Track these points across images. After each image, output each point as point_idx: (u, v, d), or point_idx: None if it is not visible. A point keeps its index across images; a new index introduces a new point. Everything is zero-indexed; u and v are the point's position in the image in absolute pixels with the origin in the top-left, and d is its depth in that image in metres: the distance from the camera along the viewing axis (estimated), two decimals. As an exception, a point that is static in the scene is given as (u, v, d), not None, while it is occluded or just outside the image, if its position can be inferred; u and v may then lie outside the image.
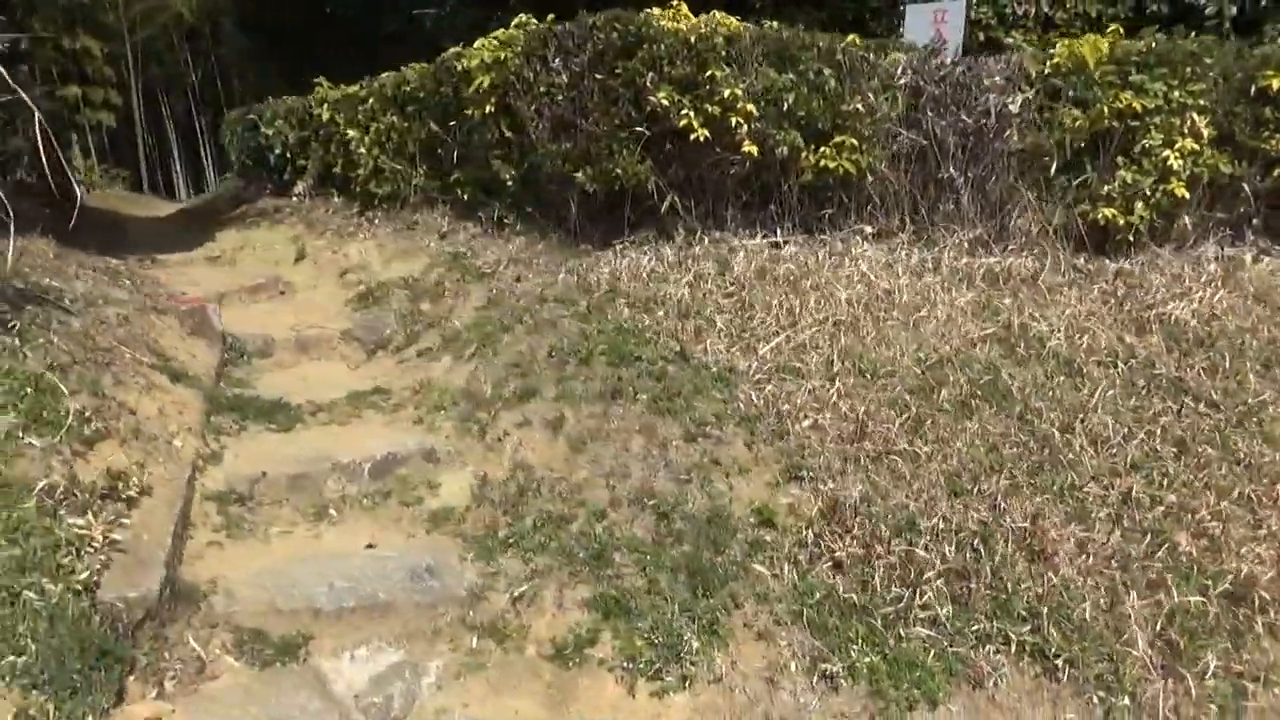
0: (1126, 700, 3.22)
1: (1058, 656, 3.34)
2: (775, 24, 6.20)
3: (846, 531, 3.69)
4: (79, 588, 3.03)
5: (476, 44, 7.15)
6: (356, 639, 3.54)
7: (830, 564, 3.61)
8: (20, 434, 3.51)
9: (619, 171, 6.01)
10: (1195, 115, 5.65)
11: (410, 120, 8.24)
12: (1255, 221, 6.07)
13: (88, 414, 3.82)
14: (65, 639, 2.82)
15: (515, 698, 3.25)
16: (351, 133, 8.72)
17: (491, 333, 5.58)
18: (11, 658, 2.69)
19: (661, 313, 5.31)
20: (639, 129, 5.89)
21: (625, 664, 3.32)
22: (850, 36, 6.00)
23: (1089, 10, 7.95)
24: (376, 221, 8.63)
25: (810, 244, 6.07)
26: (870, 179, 5.97)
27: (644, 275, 5.77)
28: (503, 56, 6.69)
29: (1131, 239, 5.88)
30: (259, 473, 4.39)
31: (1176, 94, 5.69)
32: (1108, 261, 5.90)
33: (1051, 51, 5.87)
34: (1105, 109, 5.74)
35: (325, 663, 3.36)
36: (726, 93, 5.69)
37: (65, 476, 3.43)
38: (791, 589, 3.53)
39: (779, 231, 6.21)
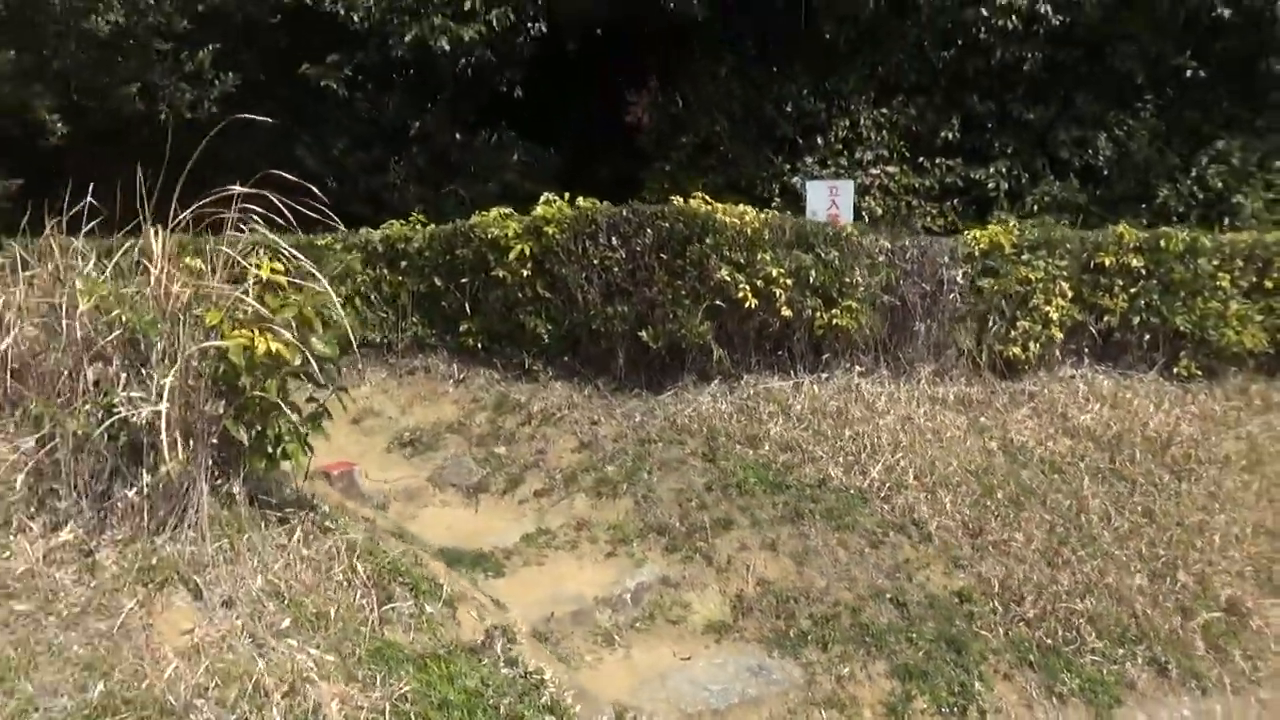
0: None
1: (1166, 661, 5.35)
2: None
3: (1020, 599, 5.48)
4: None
5: (493, 214, 8.27)
6: (740, 727, 4.70)
7: (1022, 621, 5.37)
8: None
9: (683, 331, 7.47)
10: (1063, 282, 8.29)
11: (404, 274, 8.96)
12: (1088, 350, 8.82)
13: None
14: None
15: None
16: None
17: (615, 473, 6.74)
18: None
19: (766, 447, 6.83)
20: (703, 298, 7.42)
21: (942, 709, 4.82)
22: (848, 227, 8.00)
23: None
24: (362, 367, 9.15)
25: (819, 383, 7.89)
26: (858, 330, 7.96)
27: (724, 415, 7.25)
28: (548, 230, 7.88)
29: (1026, 367, 8.37)
30: (547, 614, 5.31)
31: (1049, 270, 8.30)
32: (1012, 383, 8.32)
33: (979, 235, 8.28)
34: (1004, 278, 8.22)
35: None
36: (772, 271, 7.42)
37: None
38: (1009, 642, 5.24)
39: (793, 374, 7.97)
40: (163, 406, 3.80)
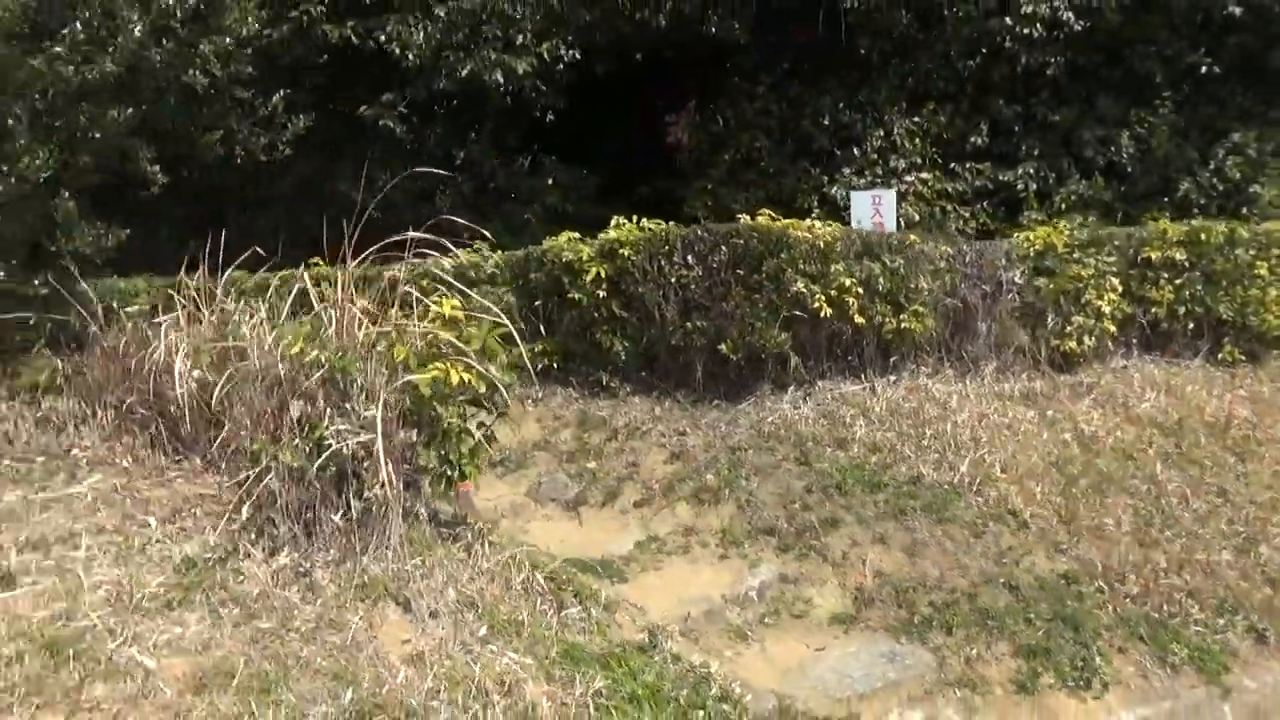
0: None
1: (1264, 629, 5.72)
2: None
3: (1122, 578, 5.84)
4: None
5: (564, 239, 8.62)
6: (883, 709, 5.04)
7: (1127, 599, 5.73)
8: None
9: (762, 342, 7.83)
10: (1116, 281, 8.69)
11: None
12: (1135, 341, 9.22)
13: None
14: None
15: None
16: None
17: (714, 481, 7.07)
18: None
19: (855, 449, 7.19)
20: (780, 309, 7.78)
21: (1068, 683, 5.17)
22: (910, 235, 8.39)
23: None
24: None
25: (890, 385, 8.26)
26: (924, 332, 8.34)
27: (807, 420, 7.61)
28: (623, 251, 8.23)
29: (1082, 360, 8.76)
30: (683, 614, 5.64)
31: (1099, 266, 8.71)
32: (1070, 376, 8.71)
33: (1033, 236, 8.68)
34: (1060, 276, 8.62)
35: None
36: (845, 281, 7.80)
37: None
38: (1118, 618, 5.60)
39: (864, 378, 8.34)
40: (373, 437, 4.13)
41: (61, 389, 6.41)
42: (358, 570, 4.21)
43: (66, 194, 6.59)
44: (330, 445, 4.13)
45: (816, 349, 8.25)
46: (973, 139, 11.70)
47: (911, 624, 5.56)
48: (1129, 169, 11.99)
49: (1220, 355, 9.25)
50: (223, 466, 5.02)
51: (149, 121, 7.32)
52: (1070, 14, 10.96)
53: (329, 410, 4.23)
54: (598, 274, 8.32)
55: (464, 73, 10.04)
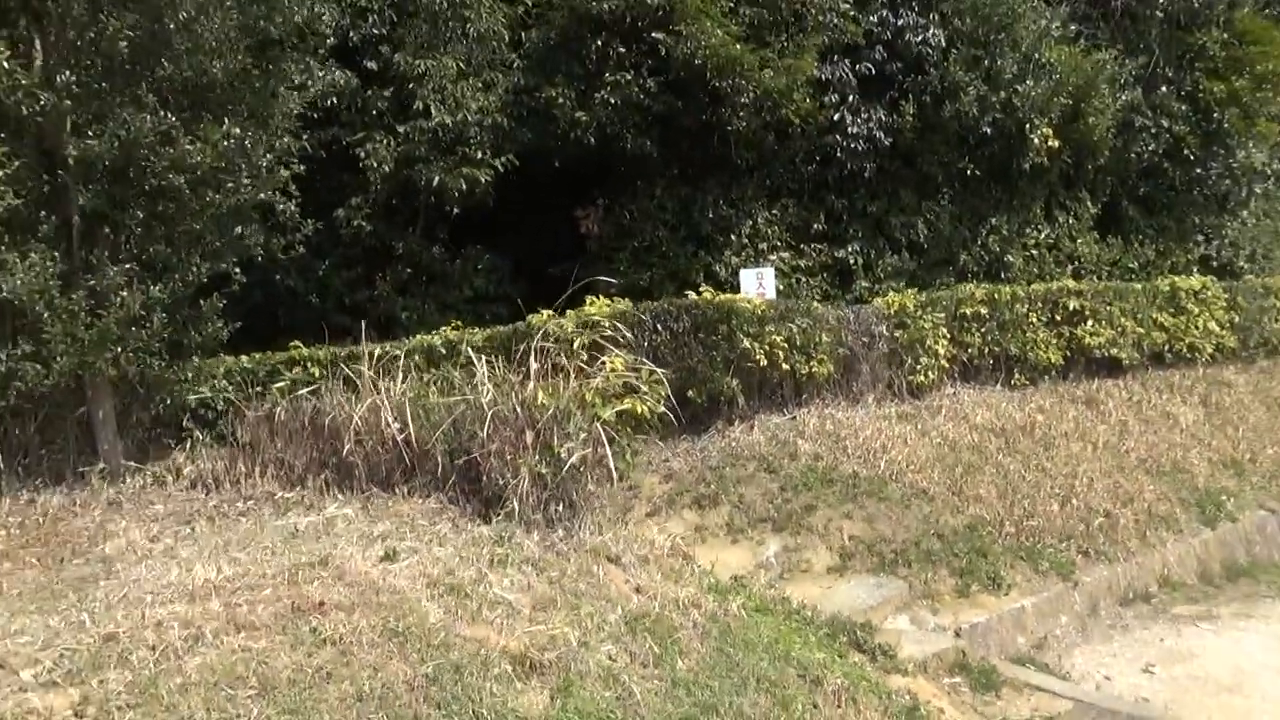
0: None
1: (1085, 548, 8.89)
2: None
3: (1001, 525, 8.85)
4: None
5: (545, 315, 10.86)
6: (883, 613, 7.63)
7: (1007, 535, 8.73)
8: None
9: (720, 388, 10.39)
10: (945, 330, 12.06)
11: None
12: (959, 374, 12.63)
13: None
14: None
15: None
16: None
17: (707, 491, 9.50)
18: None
19: (803, 459, 9.85)
20: (731, 362, 10.37)
21: (987, 588, 8.02)
22: (814, 303, 11.31)
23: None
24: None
25: (807, 415, 11.06)
26: (825, 375, 11.24)
27: (760, 443, 10.20)
28: (603, 323, 10.56)
29: (927, 389, 12.01)
30: (729, 576, 8.02)
31: (934, 320, 12.05)
32: (922, 401, 11.91)
33: (891, 301, 11.87)
34: (911, 328, 11.86)
35: None
36: (776, 338, 10.55)
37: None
38: (1007, 547, 8.56)
39: (785, 411, 11.10)
40: (587, 452, 6.29)
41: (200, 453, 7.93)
42: (584, 541, 6.30)
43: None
44: (564, 459, 6.22)
45: (754, 391, 10.93)
46: (814, 225, 14.98)
47: (884, 565, 8.24)
48: (924, 245, 15.70)
49: (1013, 381, 12.86)
50: (428, 491, 6.90)
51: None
52: (880, 133, 14.54)
53: (556, 436, 6.30)
54: (583, 342, 10.59)
55: (435, 182, 12.07)
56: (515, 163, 12.69)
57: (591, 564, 6.17)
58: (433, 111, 12.44)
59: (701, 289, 11.44)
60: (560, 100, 12.49)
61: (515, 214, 14.66)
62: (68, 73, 6.84)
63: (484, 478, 6.47)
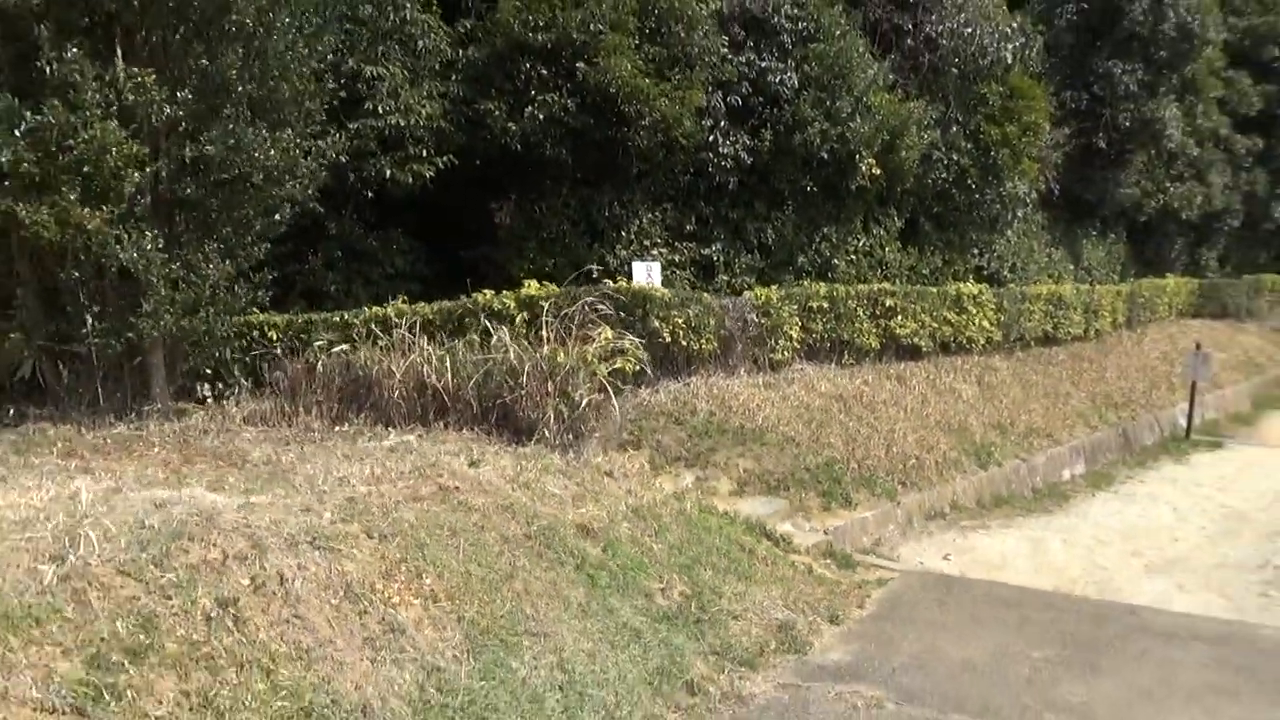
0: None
1: (902, 480, 12.35)
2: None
3: (849, 462, 12.16)
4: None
5: (489, 294, 13.27)
6: (774, 522, 10.70)
7: (853, 469, 12.04)
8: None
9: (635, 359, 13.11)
10: (798, 319, 15.35)
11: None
12: (804, 354, 16.00)
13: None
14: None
15: None
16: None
17: (629, 437, 12.26)
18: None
19: (701, 415, 12.76)
20: (644, 338, 13.11)
21: (843, 506, 11.25)
22: (704, 294, 14.24)
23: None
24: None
25: (696, 382, 14.00)
26: (711, 351, 14.21)
27: (666, 403, 13.03)
28: (542, 304, 13.06)
29: (782, 365, 15.27)
30: (663, 497, 10.86)
31: (790, 311, 15.31)
32: (778, 375, 15.15)
33: (759, 293, 14.99)
34: (773, 316, 15.06)
35: None
36: (679, 320, 13.40)
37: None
38: (855, 478, 11.87)
39: (679, 379, 13.98)
40: (593, 397, 8.89)
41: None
42: (590, 461, 8.89)
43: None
44: (578, 402, 8.77)
45: (658, 362, 13.74)
46: (687, 226, 17.98)
47: (770, 489, 11.30)
48: (771, 247, 19.08)
49: (843, 361, 16.38)
50: (459, 427, 9.26)
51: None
52: (744, 154, 17.70)
53: (570, 385, 8.81)
54: (523, 317, 13.05)
55: (387, 176, 14.07)
56: (455, 162, 14.86)
57: (598, 475, 8.79)
58: (380, 110, 14.37)
59: (595, 275, 14.09)
60: (495, 112, 14.78)
61: (434, 201, 16.76)
62: (186, 91, 8.61)
63: (519, 415, 8.92)
